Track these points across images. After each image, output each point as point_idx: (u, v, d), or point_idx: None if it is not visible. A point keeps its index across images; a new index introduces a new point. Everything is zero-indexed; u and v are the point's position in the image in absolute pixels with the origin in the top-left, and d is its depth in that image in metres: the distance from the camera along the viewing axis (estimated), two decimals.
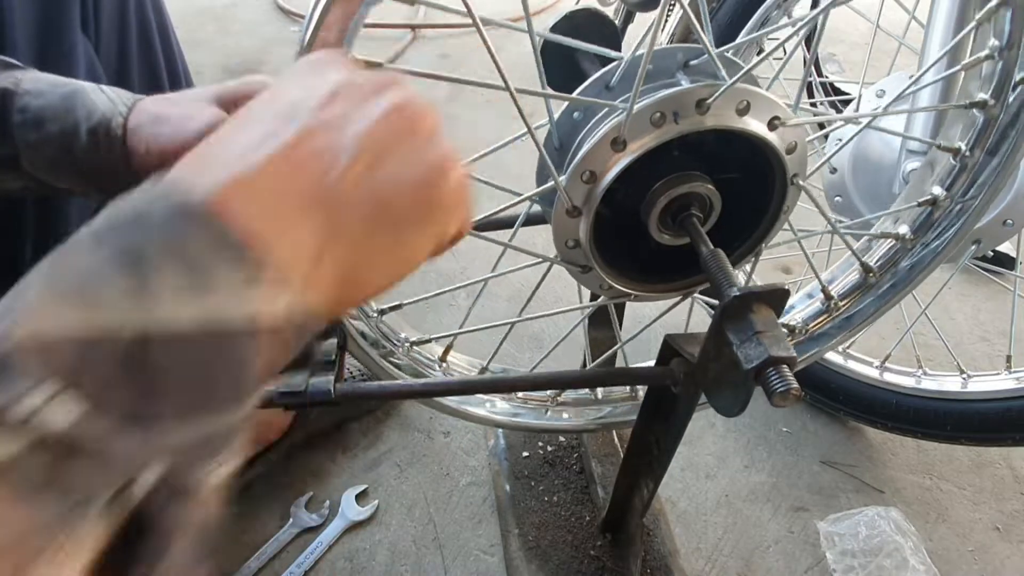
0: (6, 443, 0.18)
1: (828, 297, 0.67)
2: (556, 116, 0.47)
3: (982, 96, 0.57)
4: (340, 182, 0.25)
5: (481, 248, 1.24)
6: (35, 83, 0.48)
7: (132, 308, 0.20)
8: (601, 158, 0.44)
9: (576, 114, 0.47)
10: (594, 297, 0.63)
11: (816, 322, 0.69)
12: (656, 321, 0.64)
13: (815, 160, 0.56)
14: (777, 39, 0.50)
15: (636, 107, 0.42)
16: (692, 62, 0.46)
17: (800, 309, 0.71)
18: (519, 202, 0.49)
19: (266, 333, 0.23)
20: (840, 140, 0.88)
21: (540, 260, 0.53)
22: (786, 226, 0.53)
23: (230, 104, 0.51)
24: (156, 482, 0.21)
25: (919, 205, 0.64)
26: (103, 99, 0.49)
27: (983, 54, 0.55)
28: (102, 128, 0.48)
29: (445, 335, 0.63)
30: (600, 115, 0.46)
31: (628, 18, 1.36)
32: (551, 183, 0.46)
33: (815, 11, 0.45)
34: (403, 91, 0.29)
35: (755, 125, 0.44)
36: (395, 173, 0.27)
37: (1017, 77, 0.54)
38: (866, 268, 0.66)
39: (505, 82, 0.41)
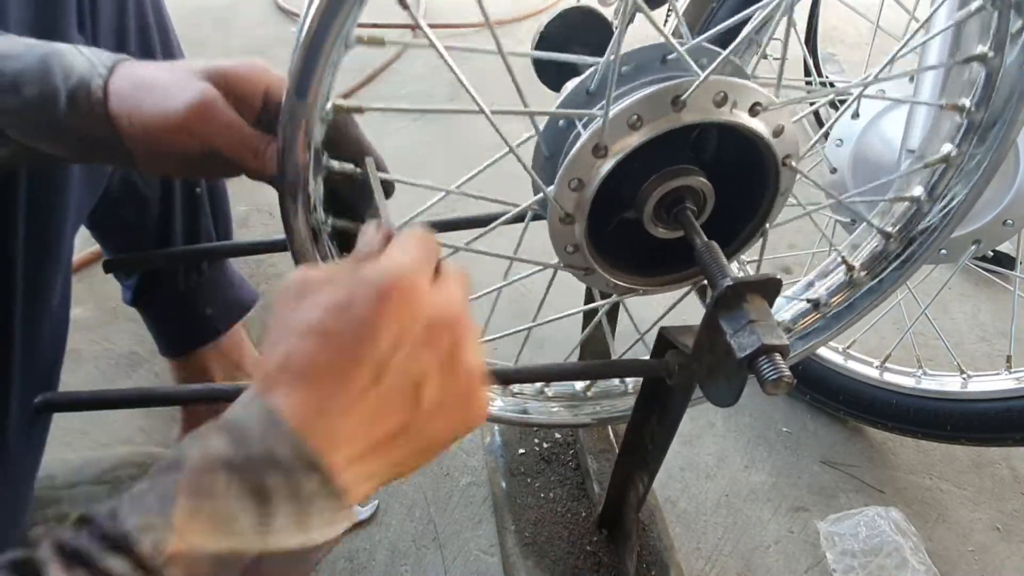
0: None
1: (849, 268, 0.66)
2: (542, 126, 0.47)
3: (981, 48, 0.56)
4: (413, 425, 0.33)
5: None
6: (10, 46, 0.46)
7: (257, 536, 0.28)
8: (585, 165, 0.45)
9: (561, 122, 0.47)
10: (604, 295, 0.63)
11: (838, 297, 0.69)
12: (664, 315, 0.64)
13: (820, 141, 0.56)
14: (776, 39, 0.50)
15: (612, 112, 0.42)
16: (669, 57, 0.46)
17: (820, 286, 0.71)
18: (515, 214, 0.50)
19: (332, 544, 0.31)
20: (840, 141, 0.88)
21: (543, 267, 0.53)
22: (792, 202, 0.53)
23: (220, 81, 0.48)
24: None
25: (927, 166, 0.62)
26: (81, 60, 0.46)
27: (975, 5, 0.53)
28: (82, 91, 0.45)
29: None
30: (583, 121, 0.46)
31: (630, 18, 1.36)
32: (541, 194, 0.46)
33: None
34: (464, 325, 0.35)
35: (736, 115, 0.44)
36: (443, 422, 0.34)
37: (1014, 27, 0.53)
38: (885, 235, 0.65)
39: (480, 106, 0.41)
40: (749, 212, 0.53)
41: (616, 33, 0.41)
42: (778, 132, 0.47)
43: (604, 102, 0.42)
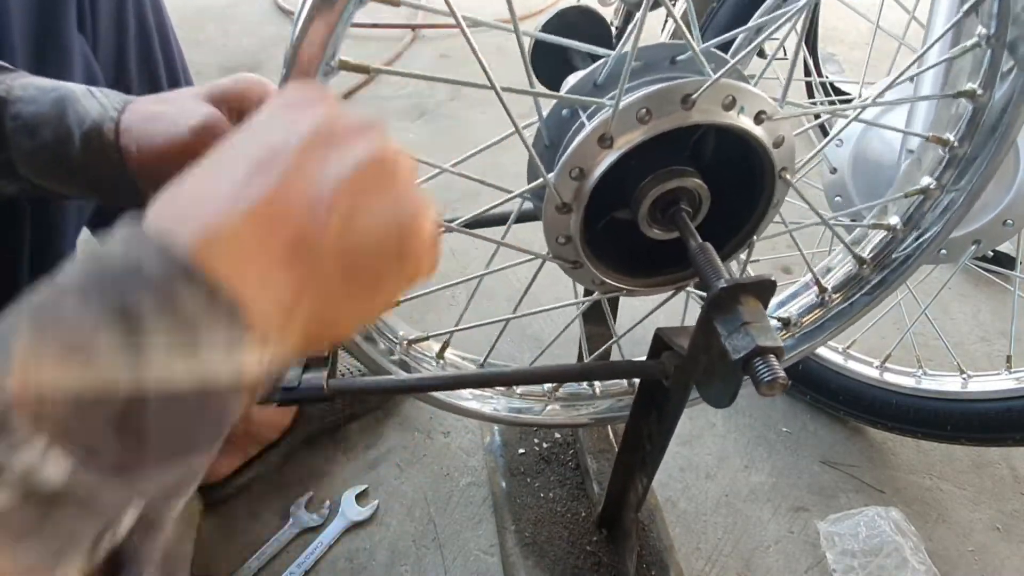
0: None
1: (822, 289, 0.67)
2: (545, 114, 0.47)
3: (971, 85, 0.57)
4: (318, 235, 0.26)
5: (481, 248, 1.24)
6: (25, 89, 0.48)
7: (126, 366, 0.21)
8: (589, 155, 0.44)
9: (565, 112, 0.47)
10: (588, 293, 0.63)
11: (811, 316, 0.69)
12: (651, 316, 0.64)
13: (815, 157, 0.56)
14: (775, 39, 0.50)
15: (622, 104, 0.42)
16: (679, 58, 0.46)
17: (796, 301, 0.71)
18: (510, 199, 0.49)
19: (245, 386, 0.24)
20: (840, 141, 0.88)
21: (532, 257, 0.53)
22: (777, 219, 0.54)
23: (222, 102, 0.50)
24: (134, 520, 0.22)
25: (906, 196, 0.63)
26: (94, 104, 0.49)
27: (970, 42, 0.54)
28: (95, 133, 0.48)
29: (442, 332, 0.63)
30: (588, 112, 0.46)
31: (628, 18, 1.36)
32: (540, 180, 0.46)
33: (802, 2, 0.45)
34: (380, 138, 0.29)
35: (741, 120, 0.45)
36: (371, 226, 0.27)
37: (1005, 67, 0.54)
38: (859, 259, 0.66)
39: (491, 82, 0.41)
40: (741, 219, 0.53)
41: (634, 24, 0.41)
42: (779, 143, 0.47)
43: (615, 92, 0.42)
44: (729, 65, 0.43)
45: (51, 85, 0.49)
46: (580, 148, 0.44)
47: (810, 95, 1.48)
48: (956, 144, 0.60)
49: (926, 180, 0.62)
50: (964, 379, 0.87)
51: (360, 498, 0.88)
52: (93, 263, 0.22)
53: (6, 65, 0.50)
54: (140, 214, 0.24)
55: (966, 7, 0.52)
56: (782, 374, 0.39)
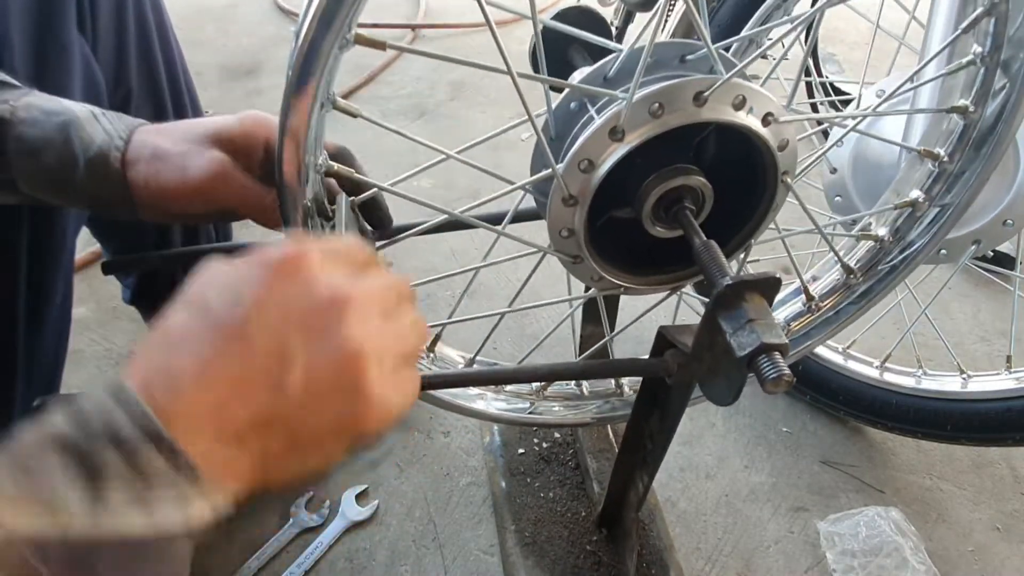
0: None
1: (809, 298, 0.67)
2: (554, 106, 0.47)
3: (963, 101, 0.58)
4: (269, 415, 0.29)
5: (481, 249, 1.24)
6: (29, 110, 0.48)
7: (86, 517, 0.24)
8: (599, 147, 0.44)
9: (573, 104, 0.47)
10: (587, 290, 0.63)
11: (799, 322, 0.70)
12: (645, 316, 0.64)
13: (815, 164, 0.56)
14: (774, 38, 0.50)
15: (635, 97, 0.42)
16: (688, 57, 0.46)
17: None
18: (515, 189, 0.49)
19: (191, 532, 0.27)
20: (841, 141, 0.88)
21: (533, 251, 0.53)
22: (771, 225, 0.54)
23: (228, 143, 0.51)
24: None
25: (896, 208, 0.64)
26: (99, 130, 0.49)
27: (965, 60, 0.55)
28: (100, 160, 0.48)
29: (435, 324, 0.63)
30: (598, 105, 0.46)
31: (628, 18, 1.36)
32: (548, 171, 0.46)
33: (811, 10, 0.45)
34: (357, 316, 0.31)
35: (750, 120, 0.45)
36: (322, 414, 0.31)
37: (997, 85, 0.55)
38: (848, 269, 0.67)
39: (508, 66, 0.41)
40: (741, 220, 0.53)
41: (651, 17, 0.41)
42: (783, 146, 0.47)
43: (629, 85, 0.42)
44: (741, 65, 0.43)
45: (55, 107, 0.48)
46: (591, 140, 0.44)
47: (810, 95, 1.48)
48: (946, 159, 0.61)
49: (915, 193, 0.63)
50: (964, 379, 0.87)
51: (360, 498, 0.88)
52: (75, 418, 0.26)
53: (10, 81, 0.50)
54: (119, 378, 0.28)
55: (963, 25, 0.53)
56: (787, 371, 0.39)
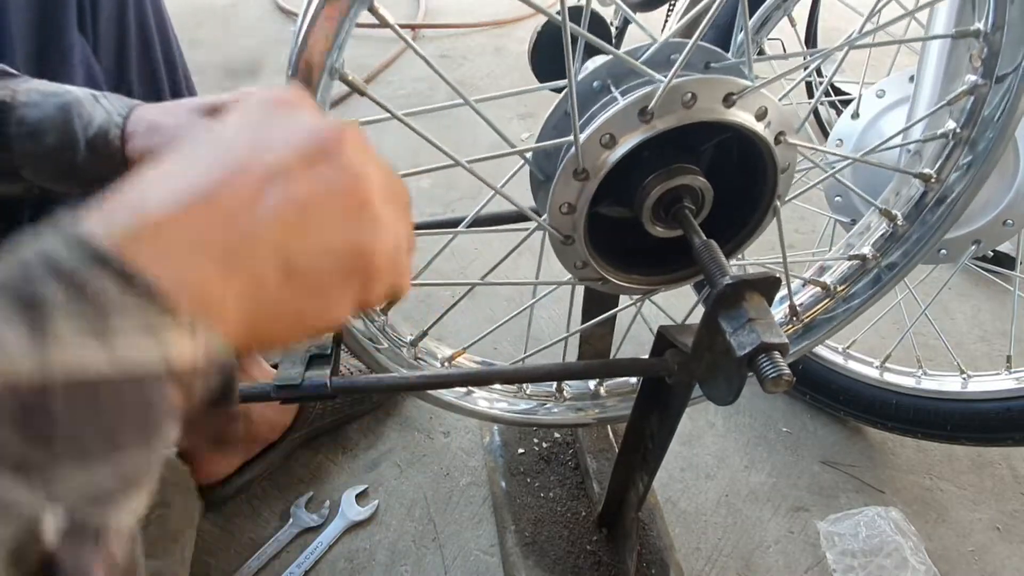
0: None
1: (793, 312, 0.69)
2: (578, 79, 0.47)
3: (928, 170, 0.61)
4: (256, 234, 0.25)
5: (482, 249, 1.25)
6: (30, 94, 0.48)
7: (28, 355, 0.20)
8: (571, 190, 0.45)
9: (596, 83, 0.47)
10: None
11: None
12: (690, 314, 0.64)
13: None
14: (776, 38, 0.50)
15: (583, 137, 0.43)
16: (713, 65, 0.47)
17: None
18: (524, 150, 0.48)
19: (171, 376, 0.23)
20: (840, 141, 0.88)
21: (561, 284, 0.53)
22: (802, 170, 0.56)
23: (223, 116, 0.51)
24: (63, 528, 0.20)
25: (848, 259, 0.68)
26: (99, 109, 0.49)
27: (940, 132, 0.59)
28: (100, 139, 0.48)
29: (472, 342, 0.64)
30: (624, 87, 0.46)
31: (625, 19, 1.36)
32: (567, 138, 0.45)
33: (833, 47, 0.46)
34: (356, 150, 0.28)
35: (711, 109, 0.45)
36: (321, 239, 0.27)
37: (963, 160, 0.59)
38: (824, 287, 0.70)
39: (455, 159, 0.42)
40: (753, 201, 0.53)
41: (570, 59, 0.41)
42: (762, 114, 0.47)
43: (668, 72, 0.42)
44: (679, 63, 0.43)
45: (55, 90, 0.49)
46: (619, 115, 0.44)
47: (810, 95, 1.48)
48: (900, 222, 0.64)
49: (867, 249, 0.66)
50: (964, 379, 0.87)
51: (360, 498, 0.88)
52: (12, 257, 0.21)
53: (10, 70, 0.51)
54: (78, 210, 0.24)
55: (946, 100, 0.57)
56: (787, 370, 0.39)
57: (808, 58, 0.65)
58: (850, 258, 0.67)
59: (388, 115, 0.44)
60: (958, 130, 0.59)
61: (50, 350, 0.20)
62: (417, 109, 0.47)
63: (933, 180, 0.62)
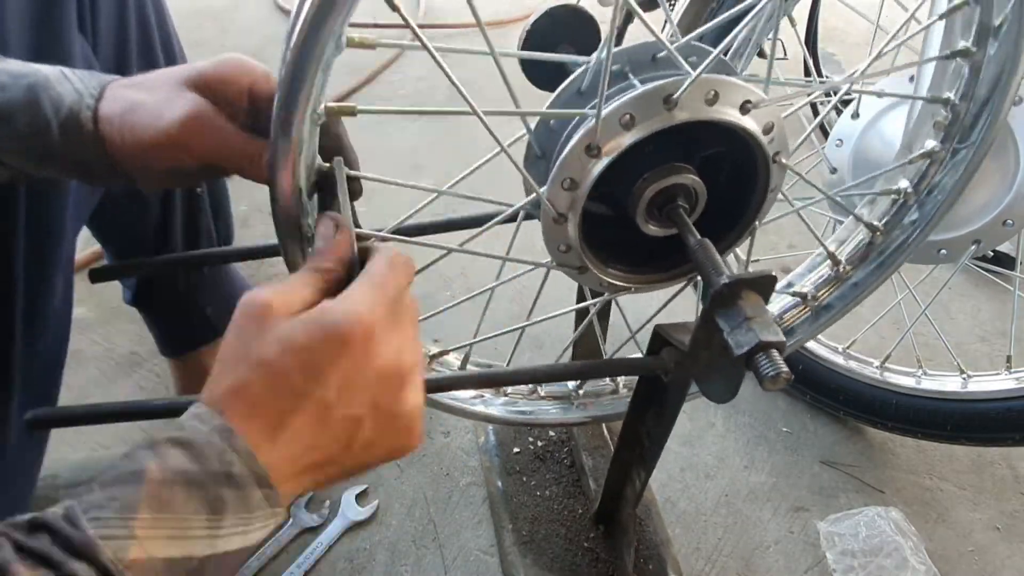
0: None
1: (835, 262, 0.69)
2: (533, 126, 0.47)
3: (963, 43, 0.57)
4: (347, 459, 0.38)
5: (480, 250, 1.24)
6: None
7: (206, 543, 0.32)
8: (578, 165, 0.45)
9: (552, 122, 0.47)
10: (595, 294, 0.63)
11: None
12: (658, 314, 0.64)
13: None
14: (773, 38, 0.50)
15: (604, 112, 0.42)
16: (658, 56, 0.46)
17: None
18: (508, 215, 0.50)
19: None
20: (840, 141, 0.88)
21: (535, 267, 0.53)
22: (782, 199, 0.55)
23: (204, 87, 0.48)
24: None
25: (792, 296, 0.69)
26: (68, 88, 0.46)
27: (925, 150, 0.60)
28: (72, 120, 0.46)
29: (461, 346, 0.64)
30: (574, 122, 0.46)
31: (628, 18, 1.36)
32: (533, 195, 0.46)
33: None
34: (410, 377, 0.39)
35: (727, 112, 0.45)
36: (372, 447, 0.38)
37: (996, 22, 0.54)
38: (802, 295, 0.70)
39: (472, 107, 0.42)
40: (740, 210, 0.53)
41: (608, 31, 0.41)
42: (768, 129, 0.47)
43: (596, 101, 0.42)
44: (708, 60, 0.43)
45: (24, 70, 0.46)
46: (568, 159, 0.44)
47: (815, 112, 1.48)
48: (845, 267, 0.66)
49: (808, 288, 0.69)
50: (964, 379, 0.87)
51: (360, 498, 0.88)
52: (195, 458, 0.32)
53: None
54: (223, 421, 0.34)
55: (905, 160, 0.60)
56: (785, 368, 0.40)
57: (818, 85, 0.66)
58: (793, 295, 0.70)
59: (389, 110, 0.43)
60: (908, 190, 0.62)
61: (218, 540, 0.32)
62: (426, 108, 0.47)
63: (879, 232, 0.64)
